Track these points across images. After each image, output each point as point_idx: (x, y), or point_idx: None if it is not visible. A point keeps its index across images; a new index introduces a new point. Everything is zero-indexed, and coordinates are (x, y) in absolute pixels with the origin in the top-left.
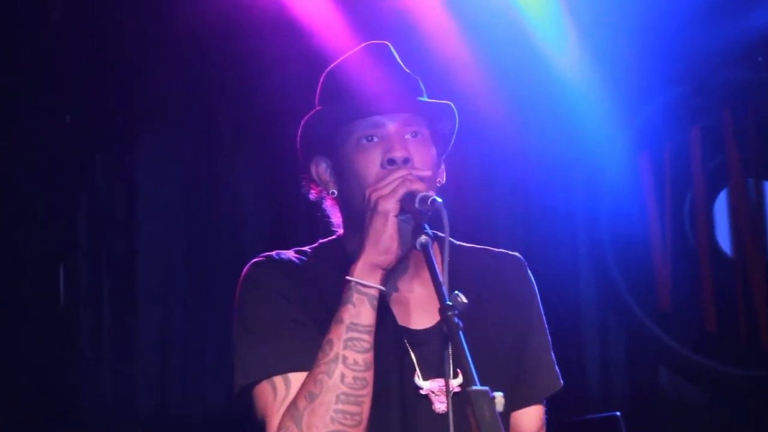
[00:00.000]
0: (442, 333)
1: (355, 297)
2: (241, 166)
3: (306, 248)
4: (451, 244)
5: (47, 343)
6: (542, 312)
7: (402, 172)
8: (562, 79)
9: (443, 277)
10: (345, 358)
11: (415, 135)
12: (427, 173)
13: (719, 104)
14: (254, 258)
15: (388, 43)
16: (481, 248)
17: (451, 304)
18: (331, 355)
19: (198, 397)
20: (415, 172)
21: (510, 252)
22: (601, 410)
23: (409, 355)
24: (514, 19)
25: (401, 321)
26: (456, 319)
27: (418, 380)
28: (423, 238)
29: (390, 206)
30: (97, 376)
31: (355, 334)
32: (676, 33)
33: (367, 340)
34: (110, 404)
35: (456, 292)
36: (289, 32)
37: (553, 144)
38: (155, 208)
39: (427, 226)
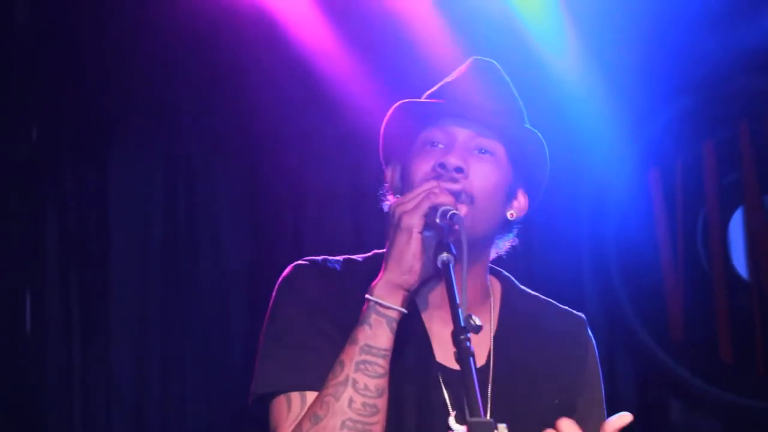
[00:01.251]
0: (480, 373)
1: (373, 318)
2: (217, 180)
3: (357, 257)
4: (515, 287)
5: (13, 373)
6: (599, 376)
7: (429, 185)
8: (564, 89)
9: (461, 299)
10: (355, 381)
11: (483, 151)
12: (458, 187)
13: (735, 116)
14: (299, 260)
15: (495, 62)
16: (543, 299)
17: (464, 327)
18: (341, 377)
19: (175, 423)
20: (446, 185)
21: (574, 311)
22: None
23: (443, 395)
24: (514, 27)
25: (440, 358)
26: (468, 344)
27: (453, 423)
28: (444, 255)
29: (414, 222)
30: (67, 408)
31: (369, 357)
32: (688, 38)
33: (381, 365)
34: (80, 429)
35: (470, 315)
36: (270, 39)
37: (554, 160)
38: (128, 227)
39: (450, 244)
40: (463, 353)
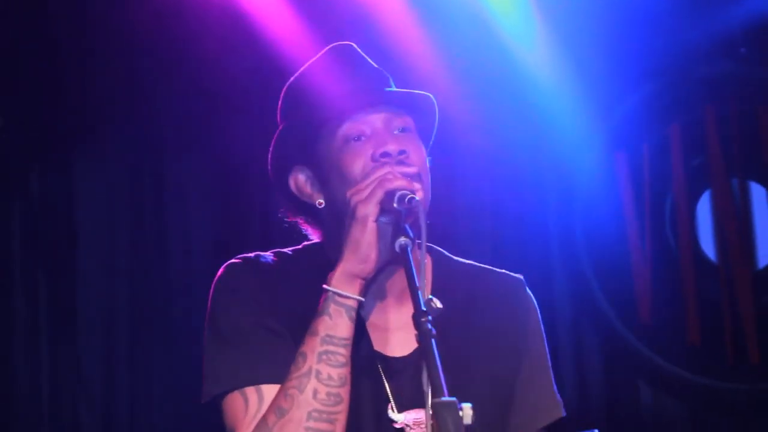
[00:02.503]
0: (420, 358)
1: (332, 308)
2: (187, 173)
3: (287, 250)
4: (447, 258)
5: None
6: (541, 335)
7: (382, 171)
8: (529, 75)
9: (420, 282)
10: (319, 372)
11: (403, 130)
12: (413, 170)
13: (700, 99)
14: (232, 259)
15: (353, 44)
16: (478, 266)
17: (425, 309)
18: (304, 368)
19: (144, 426)
20: (399, 169)
21: (511, 273)
22: (578, 429)
23: (383, 384)
24: (480, 14)
25: (377, 345)
26: (429, 326)
27: (392, 413)
28: (402, 239)
29: (369, 210)
30: (36, 407)
31: (331, 348)
32: (653, 23)
33: (343, 354)
34: None
35: (430, 296)
36: (239, 30)
37: (521, 145)
38: (96, 223)
39: (407, 227)
40: (424, 335)
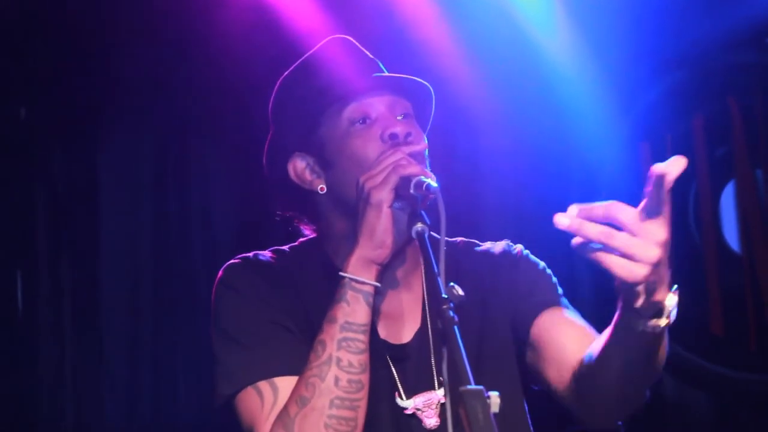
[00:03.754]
0: (435, 331)
1: (350, 294)
2: (209, 159)
3: (285, 247)
4: (435, 239)
5: (4, 353)
6: (531, 259)
7: (395, 157)
8: (553, 65)
9: (440, 268)
10: (339, 359)
11: (405, 116)
12: (422, 147)
13: (724, 90)
14: (230, 260)
15: (349, 37)
16: (467, 241)
17: (446, 297)
18: (324, 356)
19: (168, 411)
20: (408, 149)
21: (496, 243)
22: None
23: (391, 371)
24: (503, 5)
25: (382, 333)
26: (451, 313)
27: (400, 401)
28: (419, 225)
29: (383, 196)
30: (59, 390)
31: (350, 334)
32: (678, 13)
33: (362, 340)
34: (72, 417)
35: (452, 284)
36: (265, 22)
37: (545, 135)
38: (118, 207)
39: (423, 213)
40: (447, 322)
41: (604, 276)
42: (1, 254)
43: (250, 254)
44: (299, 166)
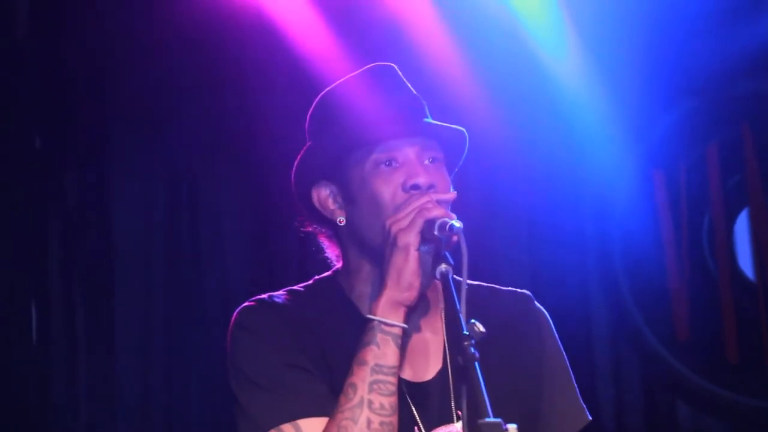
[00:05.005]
0: (455, 369)
1: (379, 337)
2: (220, 184)
3: (299, 287)
4: (456, 281)
5: (19, 382)
6: (558, 344)
7: (421, 201)
8: (566, 92)
9: (461, 306)
10: (371, 402)
11: (433, 160)
12: (451, 196)
13: (738, 118)
14: (245, 302)
15: (394, 65)
16: (486, 286)
17: (467, 333)
18: (356, 399)
19: None
20: (435, 197)
21: (517, 290)
22: None
23: (410, 410)
24: (514, 31)
25: (401, 372)
26: (472, 349)
27: None
28: (443, 266)
29: (411, 239)
30: (72, 418)
31: (381, 377)
32: (691, 40)
33: (392, 382)
34: None
35: (473, 320)
36: (273, 48)
37: (559, 162)
38: (132, 236)
39: (447, 254)
40: (468, 359)
41: (620, 307)
42: (15, 284)
43: (265, 296)
44: (323, 194)
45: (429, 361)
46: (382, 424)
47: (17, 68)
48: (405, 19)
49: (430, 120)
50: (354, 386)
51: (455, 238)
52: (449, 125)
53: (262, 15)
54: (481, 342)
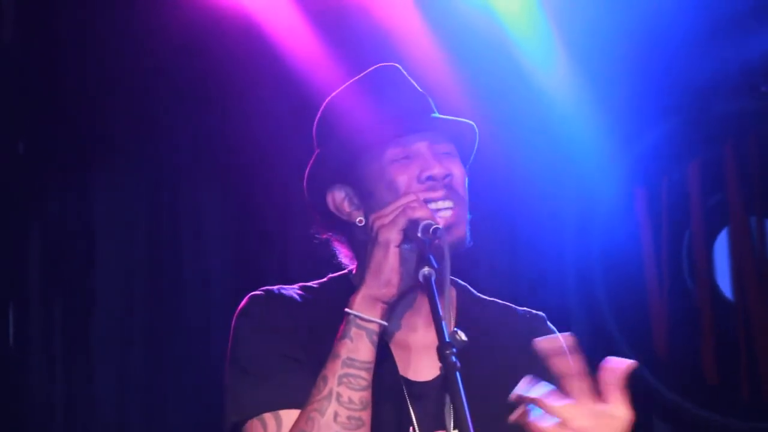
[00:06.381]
0: (444, 386)
1: (353, 331)
2: (203, 195)
3: (313, 283)
4: (471, 293)
5: None
6: None
7: (406, 199)
8: (551, 107)
9: (444, 313)
10: (339, 395)
11: (447, 154)
12: (463, 193)
13: (720, 137)
14: (253, 291)
15: (398, 65)
16: (501, 303)
17: (449, 342)
18: (325, 391)
19: None
20: (423, 196)
21: (533, 311)
22: None
23: (408, 409)
24: (503, 44)
25: (403, 370)
26: (454, 359)
27: None
28: (426, 269)
29: (392, 236)
30: (49, 424)
31: (352, 371)
32: (675, 59)
33: (364, 377)
34: None
35: (455, 329)
36: (258, 54)
37: (541, 176)
38: (113, 243)
39: (432, 257)
40: (449, 368)
41: (598, 323)
42: None
43: (275, 287)
44: (338, 198)
45: (432, 361)
46: (349, 418)
47: (1, 72)
48: (392, 30)
49: (439, 115)
50: (325, 378)
51: (437, 242)
52: (459, 119)
53: (245, 19)
54: (489, 354)
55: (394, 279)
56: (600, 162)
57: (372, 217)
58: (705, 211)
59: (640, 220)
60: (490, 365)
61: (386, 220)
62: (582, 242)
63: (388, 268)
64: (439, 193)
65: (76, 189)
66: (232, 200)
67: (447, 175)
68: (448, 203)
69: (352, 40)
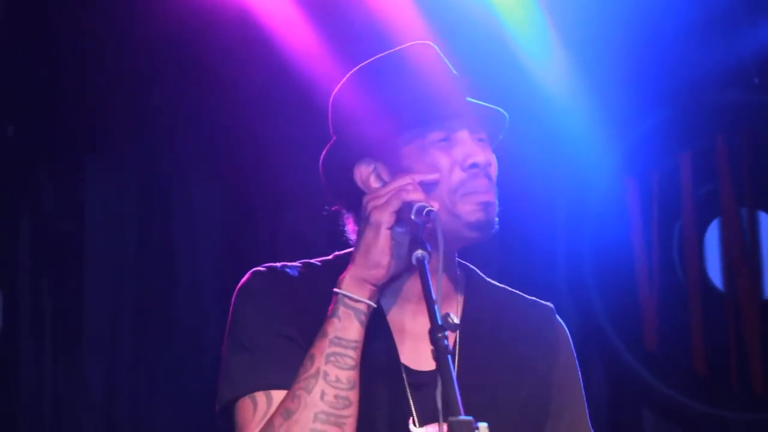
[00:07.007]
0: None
1: (342, 310)
2: (194, 187)
3: (317, 261)
4: (480, 279)
5: None
6: (573, 360)
7: (401, 182)
8: (544, 97)
9: (437, 295)
10: (326, 374)
11: (481, 140)
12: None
13: (712, 128)
14: (256, 267)
15: (434, 44)
16: (511, 291)
17: (441, 324)
18: (312, 370)
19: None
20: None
21: (541, 301)
22: None
23: (407, 397)
24: (498, 33)
25: (405, 356)
26: (445, 342)
27: (413, 427)
28: (419, 252)
29: (384, 218)
30: (38, 411)
31: (339, 349)
32: (668, 51)
33: (351, 356)
34: None
35: (448, 313)
36: (250, 41)
37: (532, 167)
38: (103, 230)
39: (424, 240)
40: (441, 351)
41: (588, 314)
42: None
43: (278, 264)
44: (365, 172)
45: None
46: (336, 397)
47: None
48: (389, 23)
49: (479, 102)
50: (312, 357)
51: (430, 225)
52: (497, 108)
53: (239, 11)
54: (493, 341)
55: (384, 261)
56: (591, 152)
57: (366, 198)
58: (696, 201)
59: (631, 211)
60: (491, 351)
61: (380, 202)
62: (573, 232)
63: (377, 250)
64: (483, 183)
65: (66, 172)
66: (225, 190)
67: (489, 163)
68: (491, 197)
69: (348, 33)
